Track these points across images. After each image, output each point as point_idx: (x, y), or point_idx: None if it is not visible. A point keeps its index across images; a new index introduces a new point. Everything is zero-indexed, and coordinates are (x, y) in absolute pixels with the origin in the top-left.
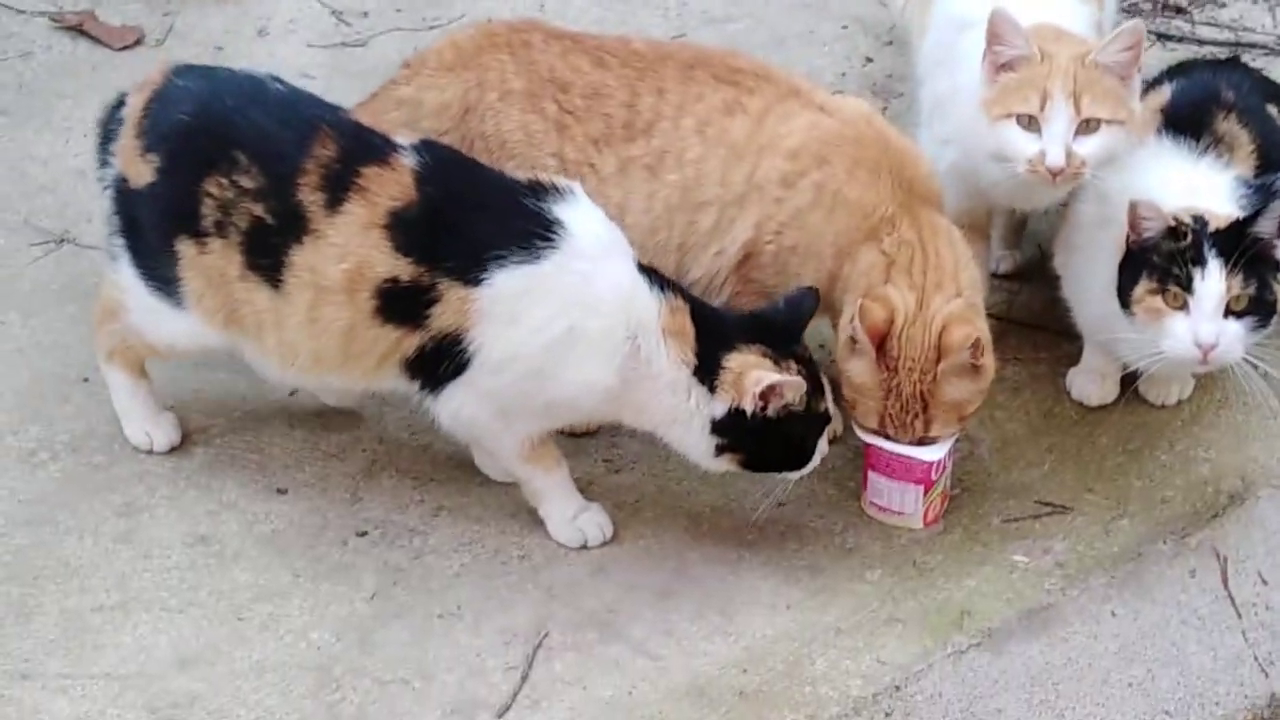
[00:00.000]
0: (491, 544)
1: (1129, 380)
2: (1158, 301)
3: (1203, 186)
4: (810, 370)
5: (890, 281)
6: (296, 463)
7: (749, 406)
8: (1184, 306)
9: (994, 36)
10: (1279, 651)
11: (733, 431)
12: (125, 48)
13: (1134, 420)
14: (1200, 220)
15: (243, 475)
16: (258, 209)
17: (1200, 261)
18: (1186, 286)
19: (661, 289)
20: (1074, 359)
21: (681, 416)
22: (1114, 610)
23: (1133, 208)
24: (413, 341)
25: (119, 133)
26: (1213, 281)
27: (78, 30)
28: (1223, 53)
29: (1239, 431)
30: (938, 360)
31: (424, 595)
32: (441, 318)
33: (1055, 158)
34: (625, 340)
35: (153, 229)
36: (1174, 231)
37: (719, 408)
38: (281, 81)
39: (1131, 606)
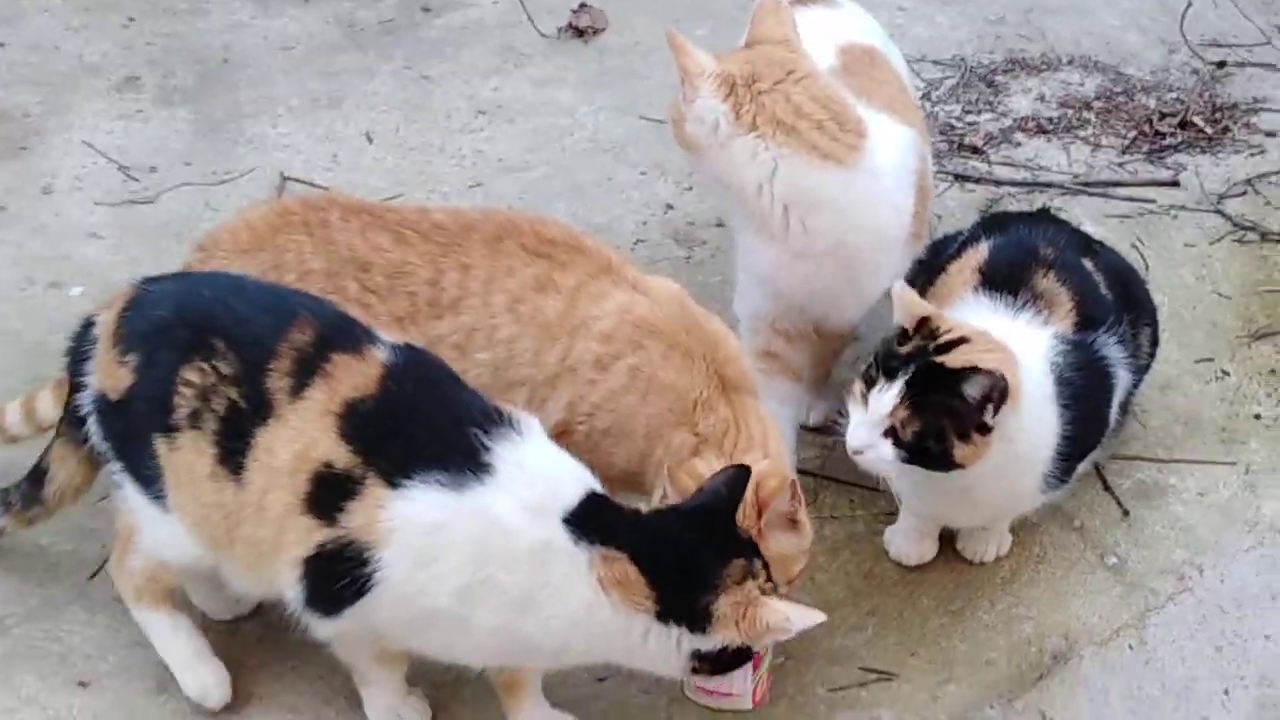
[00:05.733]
0: None
1: (947, 536)
2: (859, 385)
3: (1021, 343)
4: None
5: (699, 456)
6: (99, 652)
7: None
8: (866, 402)
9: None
10: None
11: (720, 657)
12: None
13: (954, 579)
14: (925, 349)
15: (42, 667)
16: (232, 394)
17: (890, 375)
18: (868, 386)
19: (592, 540)
20: (891, 516)
21: (641, 652)
22: None
23: (903, 290)
24: (318, 536)
25: (92, 352)
26: (886, 397)
27: None
28: (1020, 192)
29: (1059, 588)
30: (759, 516)
31: None
32: (354, 516)
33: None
34: (545, 595)
35: (138, 431)
36: (902, 334)
37: (711, 643)
38: (267, 286)
39: None
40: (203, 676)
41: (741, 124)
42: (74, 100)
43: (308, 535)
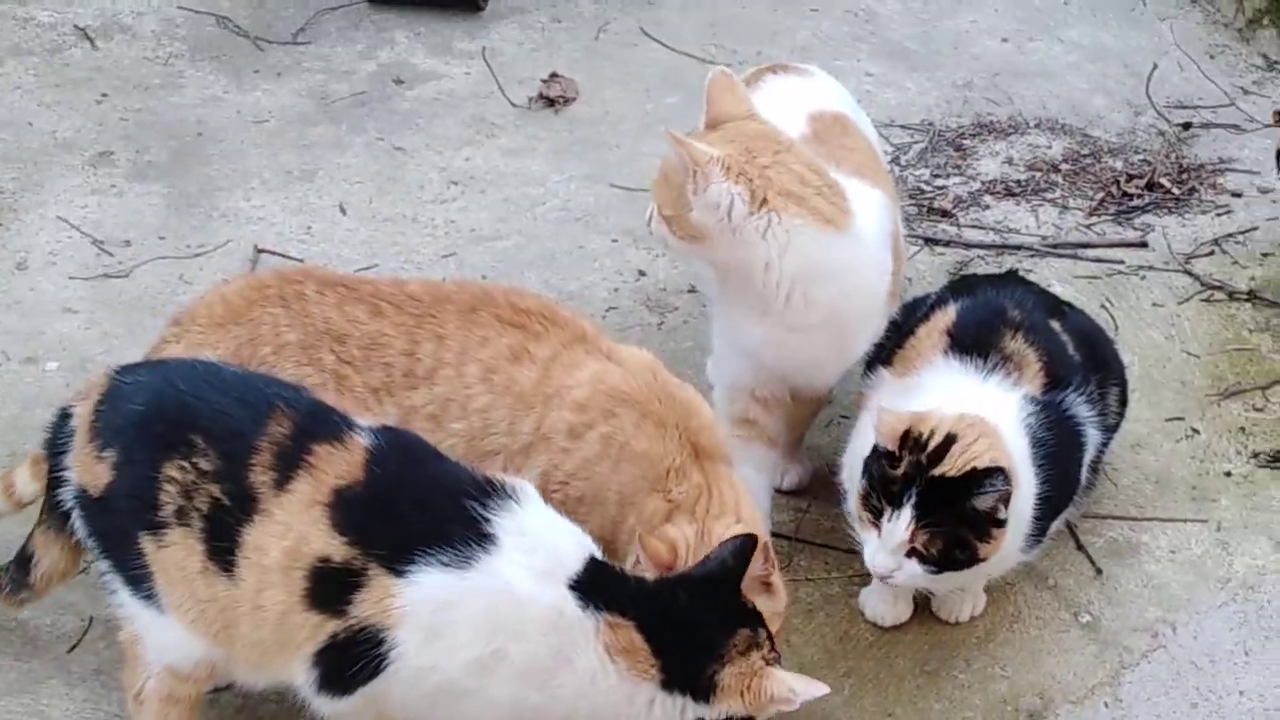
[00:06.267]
0: None
1: (922, 597)
2: (864, 513)
3: (992, 405)
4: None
5: (671, 522)
6: None
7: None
8: (878, 527)
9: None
10: None
11: None
12: None
13: (930, 639)
14: (919, 465)
15: None
16: (215, 490)
17: (896, 502)
18: (877, 517)
19: (598, 606)
20: (866, 578)
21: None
22: None
23: (879, 414)
24: (328, 629)
25: (69, 444)
26: (899, 525)
27: None
28: (990, 254)
29: (1033, 647)
30: None
31: None
32: (364, 605)
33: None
34: (556, 663)
35: (122, 528)
36: (891, 457)
37: (715, 713)
38: (234, 365)
39: None
40: None
41: (755, 202)
42: (48, 176)
43: (317, 630)
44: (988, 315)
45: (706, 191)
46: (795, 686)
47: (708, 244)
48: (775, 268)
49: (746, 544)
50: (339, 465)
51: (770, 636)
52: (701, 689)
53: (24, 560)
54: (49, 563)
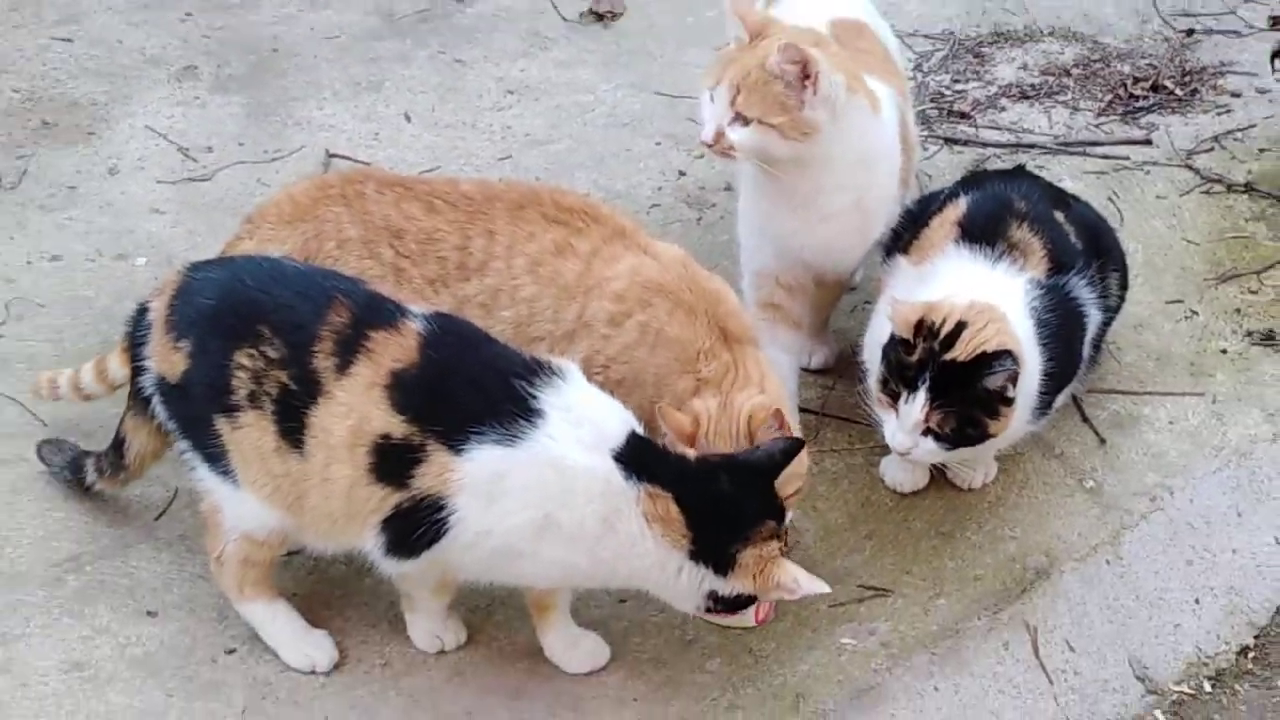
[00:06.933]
0: (354, 654)
1: (939, 467)
2: (883, 395)
3: (999, 290)
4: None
5: (698, 396)
6: (165, 585)
7: (773, 600)
8: (896, 409)
9: (729, 13)
10: (1088, 714)
11: (730, 600)
12: None
13: (944, 504)
14: (933, 351)
15: (114, 600)
16: (283, 376)
17: (911, 386)
18: (894, 400)
19: (639, 477)
20: (886, 449)
21: (671, 586)
22: (936, 685)
23: (893, 305)
24: (392, 500)
25: (148, 336)
26: (915, 407)
27: None
28: (1005, 153)
29: (1040, 510)
30: (750, 442)
31: (291, 708)
32: (424, 478)
33: (705, 133)
34: (601, 528)
35: (199, 412)
36: (906, 345)
37: (728, 588)
38: (296, 261)
39: (952, 680)
40: (306, 649)
41: (848, 89)
42: (136, 89)
43: (383, 502)
44: (995, 207)
45: (819, 86)
46: (800, 579)
47: (817, 137)
48: (849, 148)
49: (794, 445)
50: (395, 350)
51: (787, 534)
52: (723, 564)
53: (118, 445)
54: (139, 444)
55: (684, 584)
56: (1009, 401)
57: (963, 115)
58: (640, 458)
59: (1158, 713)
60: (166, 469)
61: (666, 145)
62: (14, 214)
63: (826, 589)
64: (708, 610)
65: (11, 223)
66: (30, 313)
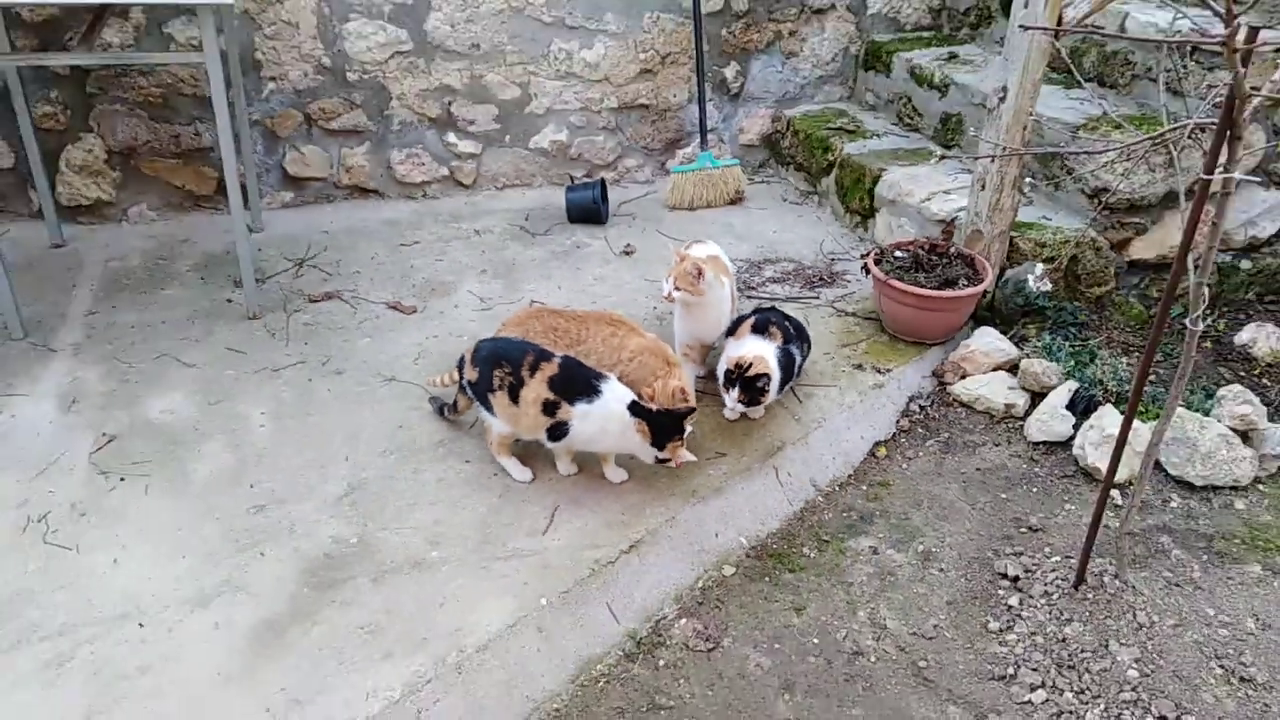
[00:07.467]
0: (541, 475)
1: (745, 411)
2: (723, 387)
3: (766, 350)
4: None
5: (659, 379)
6: (476, 450)
7: (679, 460)
8: (729, 394)
9: (674, 251)
10: (790, 499)
11: (664, 460)
12: (409, 313)
13: (746, 424)
14: (742, 371)
15: (464, 450)
16: (511, 380)
17: (731, 386)
18: (728, 389)
19: (635, 415)
20: (725, 404)
21: (644, 454)
22: (741, 487)
23: (727, 355)
24: (548, 422)
25: (464, 365)
26: (733, 395)
27: (393, 307)
28: (769, 301)
29: (778, 425)
30: (684, 394)
31: (520, 489)
32: (560, 414)
33: (664, 292)
34: (621, 431)
35: (482, 392)
36: (729, 371)
37: (663, 455)
38: (519, 340)
39: (744, 487)
40: (520, 473)
41: (715, 278)
42: (462, 280)
43: (548, 421)
44: (765, 318)
45: (704, 277)
46: (685, 455)
47: (703, 296)
48: (714, 299)
49: (690, 409)
50: (550, 369)
51: (683, 439)
52: (661, 447)
53: (454, 403)
54: (463, 403)
55: (648, 454)
56: (766, 391)
57: (751, 288)
58: (635, 408)
59: (817, 496)
60: (470, 415)
61: (649, 295)
62: (418, 324)
63: (694, 459)
64: (656, 461)
65: (423, 327)
66: (432, 358)
